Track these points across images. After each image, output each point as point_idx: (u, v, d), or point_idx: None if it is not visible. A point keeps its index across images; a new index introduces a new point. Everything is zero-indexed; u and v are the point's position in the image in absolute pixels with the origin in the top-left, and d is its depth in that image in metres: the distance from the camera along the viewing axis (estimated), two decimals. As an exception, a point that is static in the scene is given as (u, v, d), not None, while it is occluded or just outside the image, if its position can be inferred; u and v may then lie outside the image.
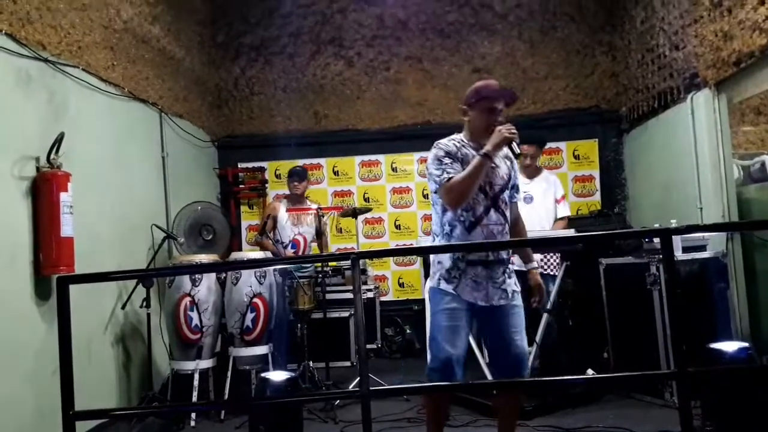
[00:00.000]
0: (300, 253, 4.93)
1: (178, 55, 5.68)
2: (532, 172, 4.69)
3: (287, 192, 5.19)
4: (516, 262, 2.90)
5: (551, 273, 4.41)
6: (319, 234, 4.92)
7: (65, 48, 3.86)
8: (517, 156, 2.72)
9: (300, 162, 6.61)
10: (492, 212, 2.69)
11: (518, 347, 2.70)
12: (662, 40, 5.31)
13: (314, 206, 4.97)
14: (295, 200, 5.04)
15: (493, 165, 2.69)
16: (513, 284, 2.74)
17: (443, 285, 2.70)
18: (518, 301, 2.74)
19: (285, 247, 4.90)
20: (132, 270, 4.20)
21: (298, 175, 5.05)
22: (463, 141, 2.76)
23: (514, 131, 2.58)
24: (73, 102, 3.91)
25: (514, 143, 2.61)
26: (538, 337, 3.84)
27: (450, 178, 2.61)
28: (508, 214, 2.75)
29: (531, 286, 2.90)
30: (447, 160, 2.66)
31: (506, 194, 2.76)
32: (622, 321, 4.23)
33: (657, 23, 5.37)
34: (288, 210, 4.96)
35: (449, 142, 2.72)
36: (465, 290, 2.66)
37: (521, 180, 4.52)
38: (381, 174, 6.62)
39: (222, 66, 6.73)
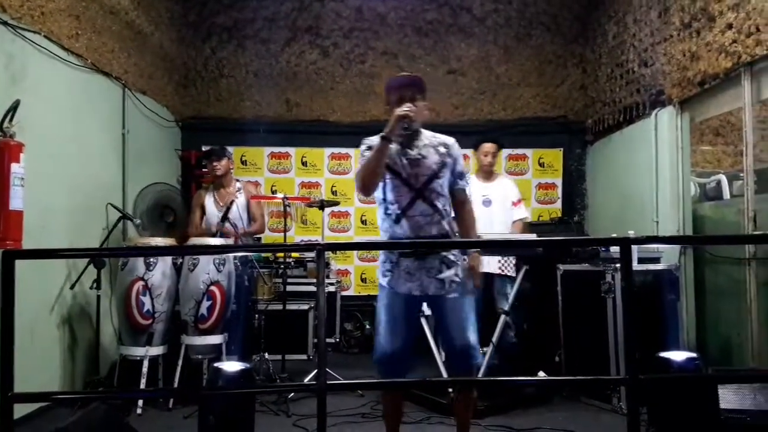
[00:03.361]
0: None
1: (147, 29, 5.52)
2: (489, 175, 4.69)
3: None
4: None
5: (510, 275, 4.45)
6: (252, 218, 4.75)
7: (27, 12, 3.69)
8: (411, 132, 2.73)
9: (268, 150, 6.54)
10: (419, 203, 2.72)
11: (460, 338, 2.72)
12: (632, 56, 5.42)
13: (238, 185, 4.79)
14: (219, 184, 4.78)
15: (418, 156, 2.73)
16: (452, 275, 2.73)
17: (381, 280, 2.80)
18: (459, 293, 2.74)
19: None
20: (84, 248, 4.04)
21: (215, 154, 4.75)
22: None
23: (406, 109, 2.62)
24: (32, 69, 3.74)
25: (407, 121, 2.63)
26: (494, 338, 3.87)
27: None
28: (439, 203, 2.74)
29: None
30: (367, 153, 2.75)
31: (438, 183, 2.75)
32: (576, 326, 4.29)
33: (628, 39, 5.47)
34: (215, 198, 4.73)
35: (374, 137, 2.76)
36: (399, 282, 2.72)
37: (478, 183, 4.56)
38: (350, 168, 6.57)
39: (192, 45, 6.56)
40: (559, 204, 6.55)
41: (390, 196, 2.75)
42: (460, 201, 2.87)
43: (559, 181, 6.57)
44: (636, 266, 4.06)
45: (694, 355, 3.10)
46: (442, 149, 2.80)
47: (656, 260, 4.30)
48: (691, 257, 4.66)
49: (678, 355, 3.03)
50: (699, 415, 2.85)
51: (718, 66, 4.11)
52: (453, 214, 2.86)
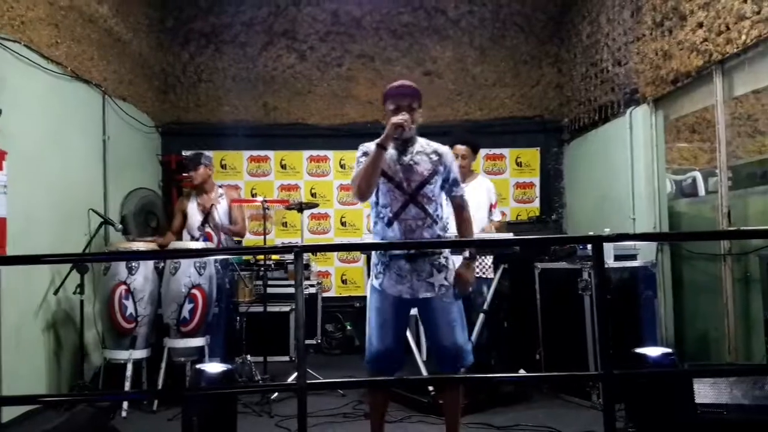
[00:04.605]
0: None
1: (125, 37, 5.52)
2: (465, 175, 4.69)
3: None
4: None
5: (485, 276, 4.49)
6: (233, 222, 4.77)
7: (7, 22, 3.71)
8: (405, 141, 2.80)
9: (247, 154, 6.57)
10: (411, 207, 2.79)
11: (448, 340, 2.80)
12: (606, 55, 5.51)
13: (221, 191, 4.83)
14: (201, 189, 4.80)
15: (410, 162, 2.81)
16: (442, 278, 2.81)
17: (373, 281, 2.87)
18: (448, 296, 2.82)
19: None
20: (67, 254, 4.05)
21: (191, 162, 4.78)
22: None
23: (402, 118, 2.69)
24: (13, 78, 3.76)
25: (402, 130, 2.70)
26: (473, 337, 3.93)
27: None
28: (430, 208, 2.81)
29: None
30: (362, 159, 2.83)
31: (429, 189, 2.81)
32: (555, 324, 4.36)
33: (602, 39, 5.57)
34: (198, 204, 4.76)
35: (371, 144, 2.82)
36: (390, 284, 2.80)
37: None
38: (329, 170, 6.62)
39: (170, 51, 6.57)
40: (537, 203, 6.63)
41: (383, 200, 2.82)
42: (458, 207, 2.96)
43: (536, 180, 6.65)
44: (612, 263, 4.13)
45: (669, 350, 3.18)
46: (434, 157, 2.87)
47: (633, 257, 4.34)
48: (668, 254, 4.73)
49: (653, 351, 3.11)
50: (675, 410, 2.92)
51: (690, 64, 4.19)
52: (446, 220, 2.96)
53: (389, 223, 2.80)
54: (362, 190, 2.76)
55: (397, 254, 2.79)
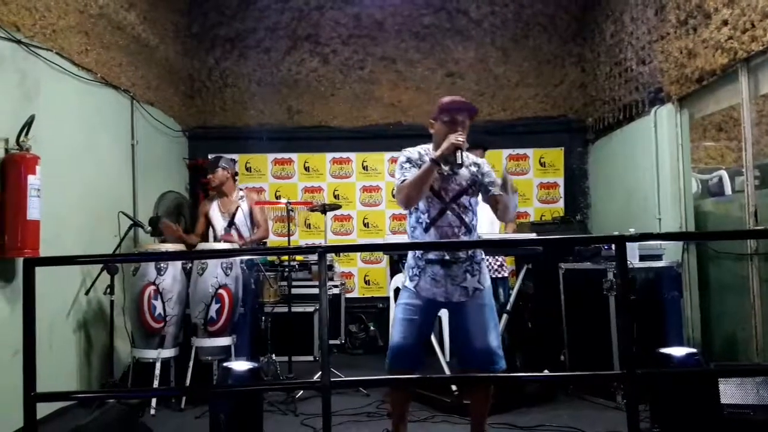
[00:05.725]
0: None
1: (153, 43, 5.64)
2: None
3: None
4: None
5: (498, 276, 4.49)
6: (255, 224, 4.84)
7: (39, 30, 3.82)
8: (460, 165, 2.82)
9: (271, 156, 6.65)
10: (448, 214, 2.85)
11: (481, 342, 2.81)
12: (630, 54, 5.47)
13: (241, 194, 4.89)
14: (222, 192, 4.88)
15: (450, 172, 2.86)
16: (476, 282, 2.85)
17: (407, 282, 2.91)
18: (482, 299, 2.86)
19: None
20: (99, 255, 4.15)
21: (209, 167, 4.87)
22: (428, 150, 2.93)
23: (461, 139, 2.73)
24: (45, 85, 3.87)
25: (459, 152, 2.74)
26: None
27: (404, 181, 2.81)
28: (466, 217, 2.87)
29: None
30: (407, 165, 2.88)
31: (467, 199, 2.88)
32: (579, 325, 4.34)
33: (625, 38, 5.52)
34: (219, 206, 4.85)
35: (414, 150, 2.91)
36: (424, 287, 2.85)
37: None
38: (352, 172, 6.67)
39: (196, 56, 6.69)
40: (561, 203, 6.59)
41: (422, 206, 2.88)
42: (494, 200, 2.91)
43: (561, 180, 6.61)
44: (637, 264, 4.12)
45: (694, 350, 3.15)
46: (473, 168, 2.93)
47: (658, 257, 4.33)
48: (695, 254, 4.67)
49: (678, 351, 3.09)
50: (701, 410, 2.90)
51: (715, 62, 4.14)
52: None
53: (426, 229, 2.86)
54: (411, 199, 2.80)
55: (432, 259, 2.83)
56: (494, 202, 2.88)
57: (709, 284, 4.66)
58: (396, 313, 2.91)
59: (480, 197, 2.96)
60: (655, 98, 5.03)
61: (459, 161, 2.76)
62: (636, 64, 5.36)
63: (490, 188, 2.91)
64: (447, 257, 2.82)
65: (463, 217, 2.86)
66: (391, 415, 3.09)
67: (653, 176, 5.01)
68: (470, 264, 2.86)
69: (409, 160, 2.88)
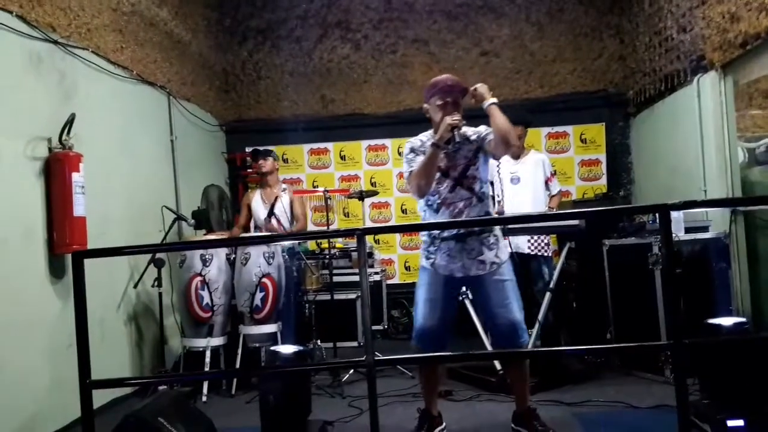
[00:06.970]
0: None
1: (186, 38, 5.73)
2: (517, 153, 4.62)
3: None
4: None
5: (543, 254, 4.44)
6: (295, 217, 4.89)
7: (75, 30, 3.91)
8: (460, 142, 2.83)
9: (307, 147, 6.70)
10: (458, 189, 2.88)
11: (503, 317, 2.83)
12: (669, 23, 5.31)
13: (284, 186, 4.95)
14: (265, 183, 4.94)
15: (452, 149, 2.86)
16: (493, 256, 2.86)
17: (423, 262, 2.97)
18: (501, 274, 2.87)
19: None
20: (146, 245, 4.28)
21: (261, 154, 4.95)
22: (430, 136, 2.94)
23: (457, 118, 2.74)
24: (83, 84, 3.96)
25: (457, 131, 2.74)
26: (540, 316, 3.90)
27: (411, 171, 2.86)
28: (476, 186, 2.88)
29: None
30: (411, 155, 2.94)
31: (474, 169, 2.88)
32: (625, 302, 4.27)
33: (665, 5, 5.36)
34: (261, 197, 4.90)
35: (416, 139, 2.97)
36: (441, 265, 2.89)
37: (507, 162, 4.50)
38: (387, 158, 6.67)
39: (229, 50, 6.77)
40: (604, 180, 6.45)
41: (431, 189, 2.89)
42: (493, 143, 2.84)
43: (602, 157, 6.47)
44: (683, 236, 4.04)
45: (743, 319, 3.08)
46: (473, 137, 2.93)
47: (704, 229, 4.24)
48: (742, 224, 4.53)
49: (726, 321, 3.04)
50: (751, 380, 2.83)
51: (760, 25, 3.99)
52: (491, 198, 3.02)
53: (437, 210, 2.89)
54: (422, 187, 2.83)
55: (446, 236, 2.86)
56: (494, 144, 2.82)
57: (759, 254, 4.52)
58: (417, 295, 2.96)
59: (490, 160, 2.96)
60: (697, 66, 4.87)
61: (458, 140, 2.79)
62: (676, 33, 5.20)
63: (488, 137, 2.88)
64: (461, 231, 2.84)
65: (473, 187, 2.89)
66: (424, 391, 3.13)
67: (698, 147, 4.87)
68: (487, 236, 2.86)
69: (413, 150, 2.94)
